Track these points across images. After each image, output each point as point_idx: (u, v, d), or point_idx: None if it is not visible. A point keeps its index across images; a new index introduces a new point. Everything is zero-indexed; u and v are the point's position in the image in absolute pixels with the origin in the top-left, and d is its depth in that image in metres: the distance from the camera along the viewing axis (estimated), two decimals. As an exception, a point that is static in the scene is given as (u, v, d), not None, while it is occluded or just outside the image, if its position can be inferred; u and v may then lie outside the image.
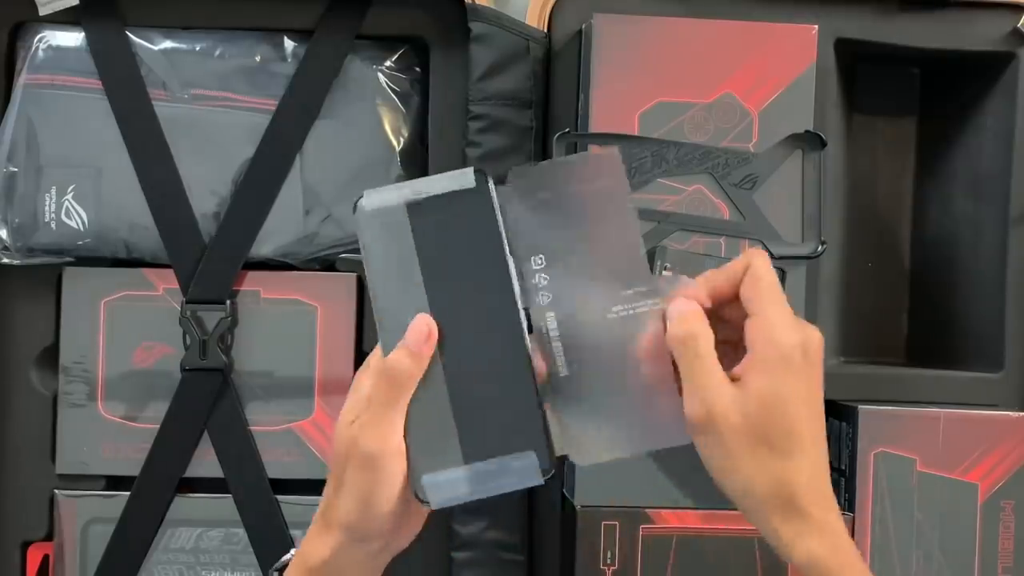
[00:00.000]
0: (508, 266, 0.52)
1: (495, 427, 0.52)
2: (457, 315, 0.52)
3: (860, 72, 0.84)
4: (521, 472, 0.52)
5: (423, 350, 0.51)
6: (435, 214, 0.52)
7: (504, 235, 0.52)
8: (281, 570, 0.60)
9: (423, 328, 0.51)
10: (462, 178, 0.52)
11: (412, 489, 0.51)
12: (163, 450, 0.75)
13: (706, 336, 0.50)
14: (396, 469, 0.51)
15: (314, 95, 0.76)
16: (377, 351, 0.53)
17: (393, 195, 0.52)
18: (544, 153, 0.75)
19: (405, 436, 0.51)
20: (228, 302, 0.75)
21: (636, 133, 0.71)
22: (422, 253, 0.52)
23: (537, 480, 0.52)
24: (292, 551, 0.60)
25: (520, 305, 0.52)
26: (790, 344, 0.49)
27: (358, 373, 0.54)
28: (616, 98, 0.71)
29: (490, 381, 0.52)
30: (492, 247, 0.52)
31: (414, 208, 0.52)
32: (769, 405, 0.49)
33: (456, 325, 0.52)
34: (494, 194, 0.52)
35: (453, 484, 0.52)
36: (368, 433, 0.51)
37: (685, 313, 0.50)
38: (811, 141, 0.72)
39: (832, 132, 0.77)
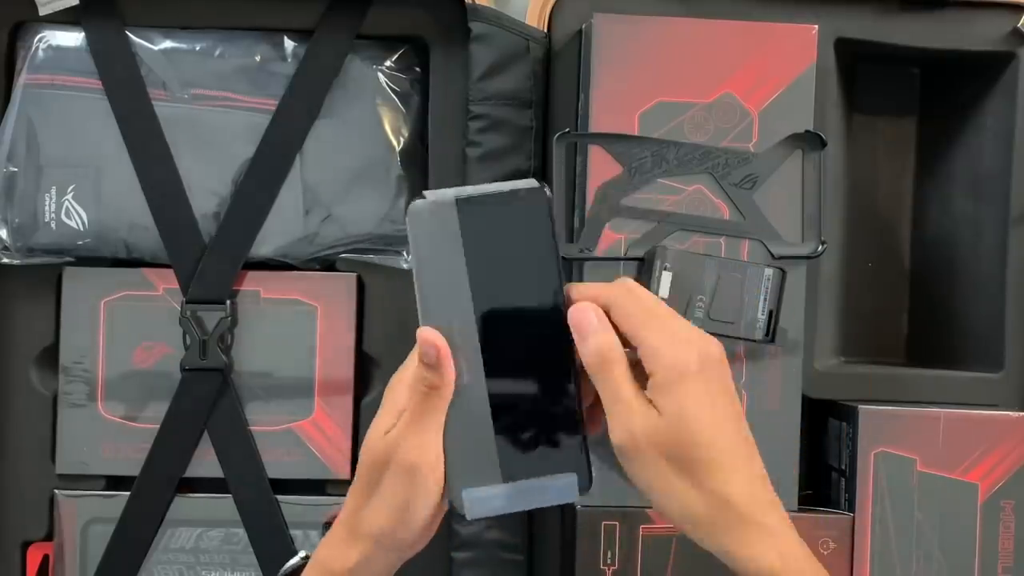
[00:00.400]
0: (559, 275, 0.51)
1: (537, 446, 0.52)
2: (502, 325, 0.51)
3: (860, 72, 0.84)
4: (560, 491, 0.52)
5: (443, 363, 0.50)
6: (486, 217, 0.51)
7: (557, 244, 0.51)
8: (289, 574, 0.60)
9: (431, 341, 0.50)
10: (517, 183, 0.51)
11: (449, 499, 0.51)
12: (163, 450, 0.75)
13: (620, 359, 0.50)
14: (434, 480, 0.51)
15: (314, 95, 0.76)
16: (413, 357, 0.52)
17: (448, 193, 0.51)
18: (544, 153, 0.75)
19: (444, 447, 0.51)
20: (228, 302, 0.75)
21: (636, 133, 0.71)
22: (470, 256, 0.51)
23: (574, 498, 0.52)
24: (299, 556, 0.60)
25: (565, 312, 0.51)
26: (683, 362, 0.49)
27: (393, 380, 0.54)
28: (616, 98, 0.71)
29: (533, 396, 0.52)
30: (543, 255, 0.51)
31: (464, 207, 0.51)
32: (678, 427, 0.49)
33: (501, 335, 0.51)
34: (550, 201, 0.51)
35: (491, 499, 0.52)
36: (409, 443, 0.51)
37: (595, 334, 0.50)
38: (811, 141, 0.72)
39: (832, 132, 0.77)
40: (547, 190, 0.51)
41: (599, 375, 0.50)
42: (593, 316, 0.50)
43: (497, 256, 0.51)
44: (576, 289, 0.52)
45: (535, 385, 0.52)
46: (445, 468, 0.51)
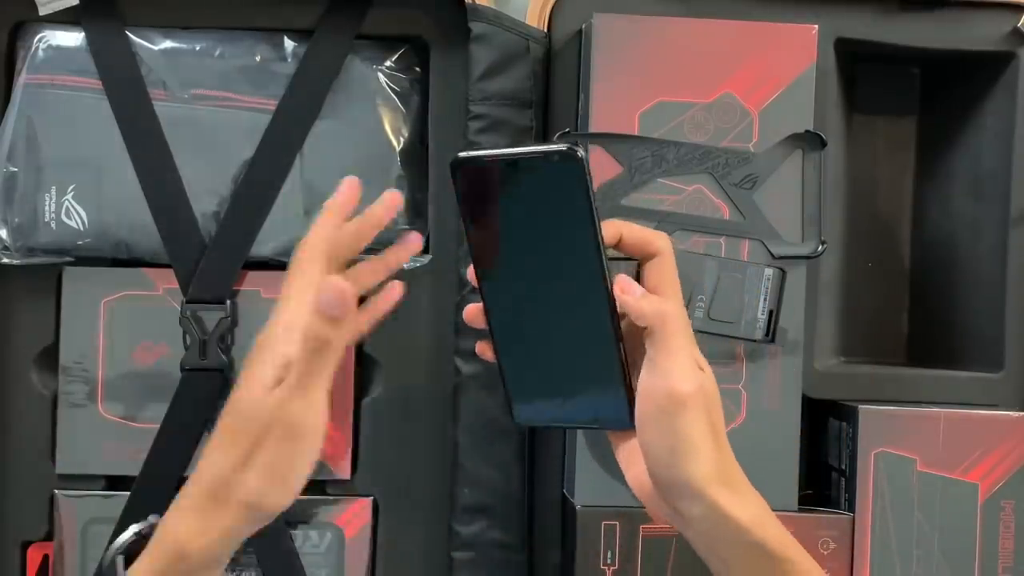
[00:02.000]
0: (596, 232, 0.54)
1: (582, 388, 0.57)
2: (545, 275, 0.55)
3: (860, 72, 0.84)
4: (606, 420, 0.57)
5: (337, 314, 0.49)
6: (525, 175, 0.53)
7: (593, 201, 0.53)
8: (128, 551, 0.54)
9: (333, 289, 0.49)
10: (556, 146, 0.54)
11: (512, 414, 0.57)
12: (163, 450, 0.75)
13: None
14: (318, 442, 0.49)
15: (314, 95, 0.76)
16: (299, 304, 0.51)
17: (488, 152, 0.54)
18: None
19: (499, 361, 0.55)
20: (228, 302, 0.75)
21: (636, 133, 0.71)
22: (510, 211, 0.54)
23: (622, 427, 0.57)
24: (134, 529, 0.55)
25: (606, 273, 0.54)
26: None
27: (269, 328, 0.51)
28: (616, 98, 0.71)
29: (579, 343, 0.56)
30: (581, 211, 0.53)
31: (503, 166, 0.53)
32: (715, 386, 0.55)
33: (543, 284, 0.55)
34: (585, 161, 0.53)
35: (543, 411, 0.58)
36: (296, 404, 0.49)
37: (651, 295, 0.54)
38: (811, 141, 0.72)
39: (832, 132, 0.77)
40: (580, 152, 0.53)
41: (666, 329, 0.53)
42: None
43: (536, 212, 0.54)
44: (623, 227, 0.55)
45: (579, 329, 0.55)
46: (504, 385, 0.55)
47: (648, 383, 0.54)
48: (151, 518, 0.52)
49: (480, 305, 0.57)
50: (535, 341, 0.56)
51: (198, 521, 0.50)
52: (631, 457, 0.57)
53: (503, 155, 0.54)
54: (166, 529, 0.51)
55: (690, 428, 0.53)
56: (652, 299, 0.54)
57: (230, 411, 0.51)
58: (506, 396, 0.58)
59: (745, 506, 0.54)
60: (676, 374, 0.53)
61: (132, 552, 0.51)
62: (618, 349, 0.55)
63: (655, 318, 0.53)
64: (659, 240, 0.55)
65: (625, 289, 0.54)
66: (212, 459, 0.50)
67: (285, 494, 0.49)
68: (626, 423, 0.56)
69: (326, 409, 0.49)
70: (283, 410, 0.49)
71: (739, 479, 0.55)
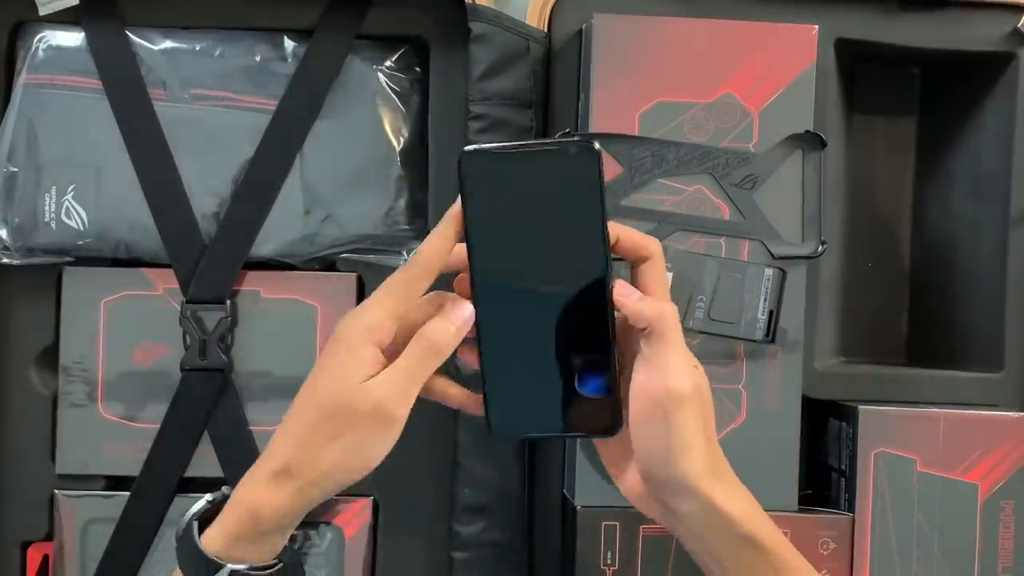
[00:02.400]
0: (602, 222, 0.53)
1: (574, 386, 0.56)
2: (548, 272, 0.54)
3: (860, 72, 0.84)
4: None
5: (462, 333, 0.54)
6: (534, 168, 0.53)
7: (604, 198, 0.53)
8: (203, 518, 0.57)
9: (467, 313, 0.54)
10: (573, 139, 0.54)
11: (489, 422, 0.56)
12: (163, 450, 0.75)
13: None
14: (400, 430, 0.54)
15: (314, 95, 0.76)
16: (390, 300, 0.54)
17: (502, 145, 0.54)
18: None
19: (484, 376, 0.55)
20: (228, 302, 0.75)
21: (636, 133, 0.71)
22: (517, 206, 0.53)
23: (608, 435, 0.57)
24: (210, 496, 0.58)
25: (610, 274, 0.54)
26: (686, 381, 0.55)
27: (359, 326, 0.54)
28: (616, 98, 0.71)
29: (574, 342, 0.55)
30: (591, 208, 0.53)
31: (512, 158, 0.53)
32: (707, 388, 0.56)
33: (545, 282, 0.55)
34: (599, 157, 0.53)
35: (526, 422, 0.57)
36: (398, 394, 0.53)
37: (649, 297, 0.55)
38: (811, 141, 0.72)
39: (832, 132, 0.77)
40: (597, 145, 0.53)
41: (664, 322, 0.54)
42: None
43: (544, 207, 0.54)
44: (620, 229, 0.56)
45: (576, 330, 0.55)
46: (485, 394, 0.55)
47: (644, 382, 0.55)
48: (224, 489, 0.56)
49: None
50: (527, 344, 0.55)
51: (272, 491, 0.53)
52: (620, 460, 0.58)
53: (516, 148, 0.53)
54: (239, 496, 0.54)
55: (686, 425, 0.54)
56: (650, 300, 0.55)
57: (318, 396, 0.54)
58: (485, 408, 0.56)
59: (736, 501, 0.55)
60: (674, 373, 0.54)
61: (204, 520, 0.56)
62: (614, 352, 0.55)
63: (655, 319, 0.54)
64: (652, 244, 0.56)
65: (623, 292, 0.55)
66: (291, 436, 0.54)
67: (363, 471, 0.54)
68: (612, 429, 0.56)
69: (413, 401, 0.54)
70: (382, 401, 0.53)
71: (729, 474, 0.56)
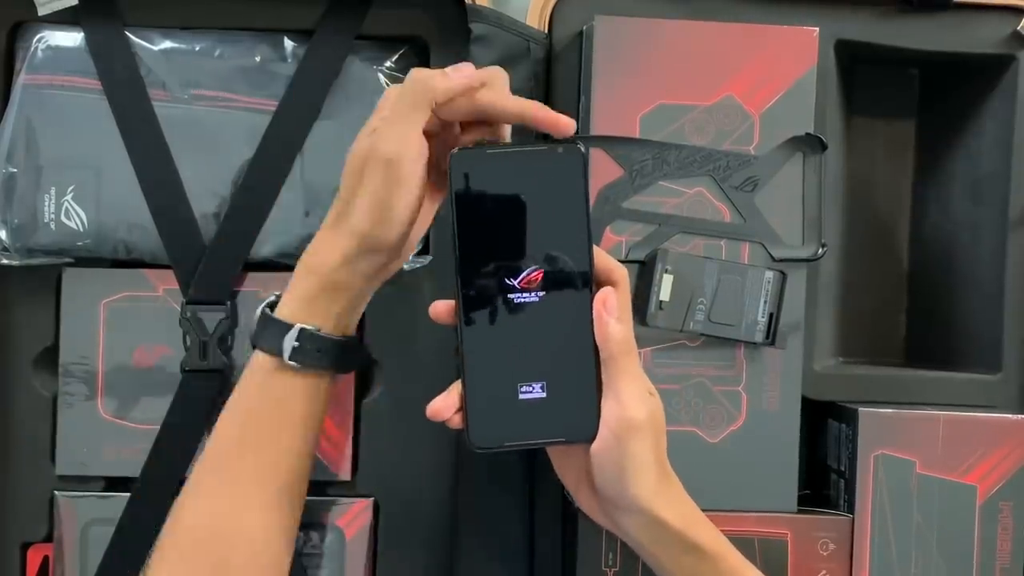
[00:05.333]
0: (587, 227, 0.55)
1: (554, 391, 0.56)
2: (530, 275, 0.55)
3: (860, 74, 0.84)
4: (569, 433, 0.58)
5: (460, 83, 0.56)
6: (521, 169, 0.54)
7: (588, 199, 0.54)
8: (272, 305, 0.62)
9: (466, 69, 0.56)
10: (554, 142, 0.55)
11: (467, 433, 0.56)
12: (163, 451, 0.75)
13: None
14: (414, 172, 0.55)
15: (314, 95, 0.76)
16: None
17: (492, 146, 0.56)
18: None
19: (464, 380, 0.56)
20: (228, 303, 0.75)
21: (637, 135, 0.71)
22: (502, 205, 0.54)
23: (583, 440, 0.58)
24: (277, 292, 0.63)
25: (593, 279, 0.55)
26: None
27: (387, 93, 0.58)
28: (617, 100, 0.71)
29: (556, 345, 0.56)
30: (575, 210, 0.54)
31: (501, 159, 0.54)
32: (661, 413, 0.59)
33: (528, 283, 0.55)
34: (585, 159, 0.54)
35: (503, 428, 0.57)
36: (387, 135, 0.55)
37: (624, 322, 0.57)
38: (812, 144, 0.72)
39: (832, 134, 0.78)
40: (582, 147, 0.54)
41: (624, 357, 0.57)
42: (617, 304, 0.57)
43: (530, 207, 0.54)
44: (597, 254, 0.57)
45: (558, 334, 0.56)
46: (465, 405, 0.56)
47: (603, 408, 0.57)
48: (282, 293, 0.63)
49: (450, 303, 0.57)
50: (510, 346, 0.56)
51: (323, 253, 0.59)
52: (577, 476, 0.61)
53: (505, 149, 0.54)
54: (302, 261, 0.60)
55: (640, 453, 0.57)
56: (620, 326, 0.56)
57: (347, 160, 0.58)
58: (464, 419, 0.57)
59: (678, 511, 0.59)
60: (630, 401, 0.56)
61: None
62: (597, 353, 0.56)
63: (621, 344, 0.56)
64: (619, 270, 0.58)
65: (607, 305, 0.56)
66: (334, 204, 0.59)
67: (388, 226, 0.56)
68: (591, 432, 0.57)
69: (418, 145, 0.55)
70: (377, 145, 0.55)
71: (675, 488, 0.60)
